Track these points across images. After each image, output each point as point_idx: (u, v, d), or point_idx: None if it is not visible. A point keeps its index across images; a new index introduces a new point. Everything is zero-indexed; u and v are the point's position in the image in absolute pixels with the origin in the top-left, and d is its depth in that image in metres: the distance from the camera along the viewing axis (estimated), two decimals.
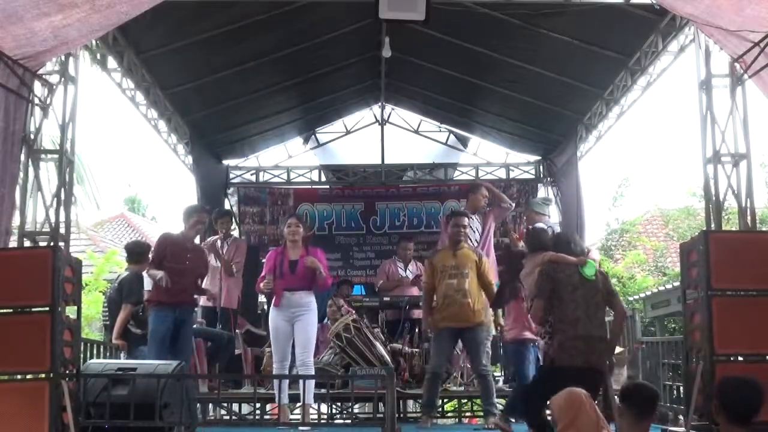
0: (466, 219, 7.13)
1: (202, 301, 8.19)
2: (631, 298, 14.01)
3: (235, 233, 11.93)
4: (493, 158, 12.47)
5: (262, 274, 6.69)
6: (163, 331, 6.50)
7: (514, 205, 8.74)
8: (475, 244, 7.70)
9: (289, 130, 11.82)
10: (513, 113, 10.87)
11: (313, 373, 6.73)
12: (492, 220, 8.06)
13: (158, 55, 8.20)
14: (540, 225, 7.55)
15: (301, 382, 6.50)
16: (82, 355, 6.16)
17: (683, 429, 4.99)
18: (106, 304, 7.78)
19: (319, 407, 6.75)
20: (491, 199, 8.30)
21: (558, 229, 8.37)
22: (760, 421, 4.70)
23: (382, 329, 8.54)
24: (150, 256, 7.01)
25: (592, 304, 5.39)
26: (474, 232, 7.81)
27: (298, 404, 6.88)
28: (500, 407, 6.89)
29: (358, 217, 11.81)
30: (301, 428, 6.18)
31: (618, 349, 7.36)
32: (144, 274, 7.25)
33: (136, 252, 7.40)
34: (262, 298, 9.70)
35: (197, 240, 7.31)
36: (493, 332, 8.00)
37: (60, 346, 4.95)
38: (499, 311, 7.92)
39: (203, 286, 7.08)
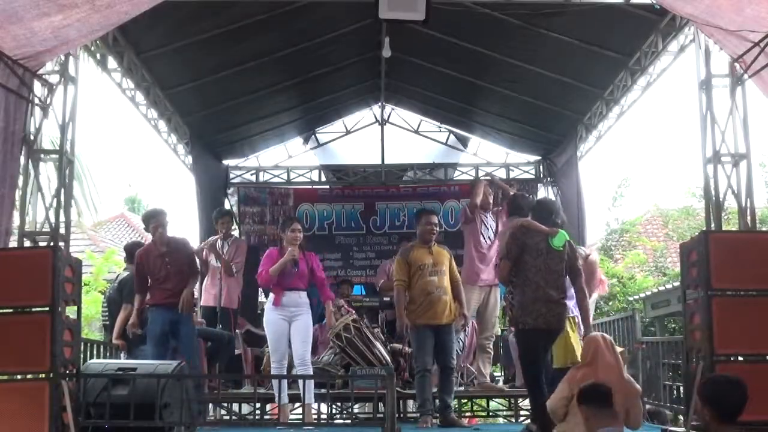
0: (436, 218, 7.12)
1: (203, 301, 8.21)
2: (631, 298, 14.00)
3: (236, 233, 11.98)
4: (493, 158, 12.49)
5: (261, 270, 6.69)
6: (159, 332, 6.54)
7: (512, 189, 8.74)
8: (489, 242, 7.75)
9: (289, 130, 11.83)
10: (513, 113, 10.87)
11: (312, 370, 6.74)
12: (504, 216, 8.02)
13: (158, 55, 8.20)
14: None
15: (300, 381, 6.51)
16: (82, 355, 6.17)
17: (683, 429, 4.98)
18: (105, 305, 7.78)
19: (319, 407, 6.75)
20: (502, 194, 8.25)
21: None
22: (759, 420, 4.73)
23: (382, 329, 8.54)
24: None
25: (554, 272, 5.68)
26: (488, 229, 7.80)
27: (298, 404, 6.89)
28: (502, 407, 6.88)
29: (358, 217, 11.81)
30: (303, 428, 6.18)
31: (618, 350, 7.37)
32: None
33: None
34: (262, 298, 9.70)
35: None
36: (499, 331, 8.03)
37: (60, 346, 4.95)
38: (500, 311, 7.95)
39: (204, 285, 7.11)
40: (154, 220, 6.82)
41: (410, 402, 8.31)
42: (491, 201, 7.98)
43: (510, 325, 8.73)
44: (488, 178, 8.59)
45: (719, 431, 3.72)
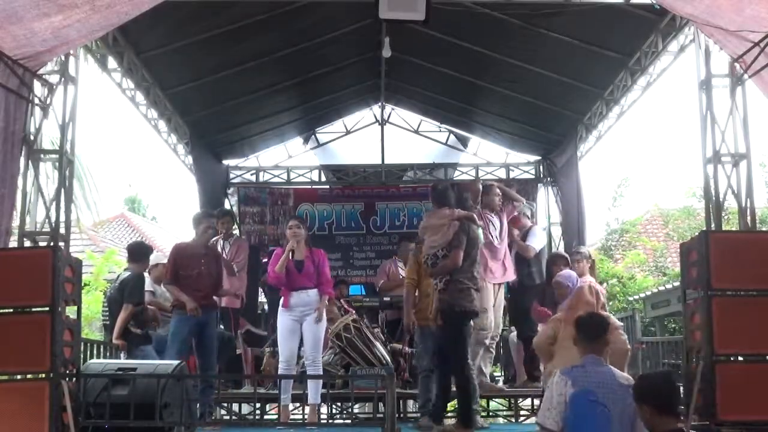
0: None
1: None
2: (631, 298, 14.01)
3: (236, 233, 11.98)
4: (493, 158, 12.49)
5: (268, 271, 6.70)
6: (185, 333, 6.53)
7: (524, 201, 8.77)
8: (498, 240, 7.74)
9: (289, 130, 11.83)
10: (513, 113, 10.87)
11: (321, 370, 6.74)
12: (505, 218, 8.03)
13: (158, 55, 8.20)
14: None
15: (306, 381, 6.52)
16: (82, 355, 6.17)
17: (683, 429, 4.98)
18: (106, 304, 7.78)
19: (319, 407, 6.75)
20: (504, 198, 8.26)
21: (540, 237, 8.45)
22: (759, 420, 4.73)
23: (382, 329, 8.53)
24: (149, 260, 7.17)
25: (476, 260, 6.28)
26: (495, 228, 7.80)
27: (298, 404, 6.89)
28: (502, 407, 6.89)
29: (358, 217, 11.82)
30: (303, 428, 6.19)
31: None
32: (146, 275, 7.28)
33: (139, 252, 7.41)
34: (262, 298, 9.71)
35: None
36: (499, 332, 8.01)
37: (60, 346, 4.95)
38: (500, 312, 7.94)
39: (224, 287, 7.14)
40: (207, 221, 6.89)
41: (410, 402, 8.32)
42: (498, 202, 7.95)
43: (510, 325, 8.74)
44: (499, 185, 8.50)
45: (661, 423, 3.76)
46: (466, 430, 5.99)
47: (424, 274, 6.67)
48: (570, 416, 4.09)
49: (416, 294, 6.77)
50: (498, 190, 8.03)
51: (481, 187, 7.98)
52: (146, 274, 7.39)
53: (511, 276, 7.85)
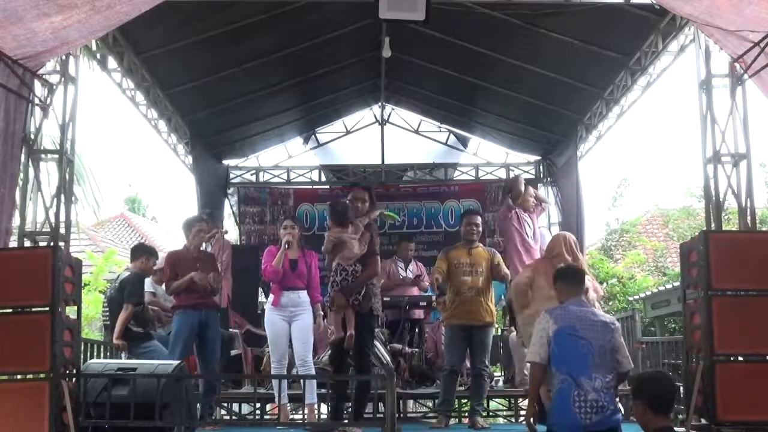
0: (479, 218, 7.16)
1: None
2: (631, 298, 14.00)
3: (235, 233, 11.98)
4: (493, 158, 12.50)
5: (264, 265, 6.70)
6: (187, 333, 6.54)
7: (550, 204, 8.81)
8: (533, 241, 7.72)
9: (289, 130, 11.83)
10: (513, 113, 10.87)
11: (313, 370, 6.74)
12: (536, 218, 8.05)
13: (158, 55, 8.20)
14: None
15: (302, 382, 6.50)
16: (82, 355, 6.16)
17: (683, 429, 4.98)
18: (106, 304, 7.78)
19: (319, 407, 6.75)
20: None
21: (545, 235, 8.46)
22: (759, 420, 4.73)
23: (382, 329, 8.53)
24: (146, 256, 7.17)
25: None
26: (530, 228, 7.80)
27: (298, 404, 6.89)
28: (502, 407, 6.90)
29: None
30: (303, 428, 6.19)
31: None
32: (148, 278, 7.29)
33: (135, 250, 7.43)
34: (262, 298, 9.70)
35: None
36: (499, 331, 8.01)
37: (60, 346, 4.95)
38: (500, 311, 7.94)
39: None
40: (197, 225, 6.88)
41: (410, 402, 8.33)
42: (532, 202, 7.90)
43: (510, 325, 8.74)
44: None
45: (654, 421, 3.83)
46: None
47: (453, 272, 6.75)
48: (554, 350, 4.41)
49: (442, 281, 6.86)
50: (532, 191, 7.98)
51: (522, 187, 7.94)
52: (148, 280, 7.39)
53: None
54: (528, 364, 4.90)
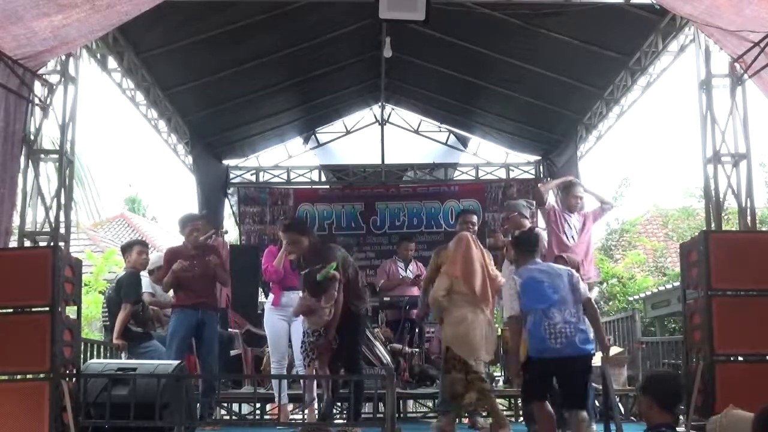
0: (476, 217, 7.12)
1: None
2: (631, 298, 14.00)
3: (235, 233, 11.97)
4: (493, 158, 12.49)
5: (264, 265, 6.70)
6: (183, 332, 6.54)
7: (613, 205, 8.46)
8: (573, 241, 7.37)
9: (289, 130, 11.83)
10: (513, 113, 10.87)
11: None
12: (591, 221, 7.65)
13: (158, 55, 8.20)
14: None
15: (302, 381, 6.51)
16: (82, 355, 6.16)
17: (683, 429, 4.98)
18: (105, 304, 7.79)
19: (319, 407, 6.75)
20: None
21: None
22: None
23: (382, 329, 8.53)
24: (134, 251, 7.19)
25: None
26: (570, 228, 7.48)
27: (298, 405, 6.89)
28: (502, 407, 6.89)
29: (358, 217, 11.81)
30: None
31: (617, 350, 7.36)
32: (143, 274, 7.28)
33: (130, 245, 7.45)
34: (262, 298, 9.70)
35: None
36: (499, 331, 7.98)
37: (60, 346, 4.96)
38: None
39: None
40: (191, 223, 6.88)
41: (410, 402, 8.32)
42: (574, 203, 7.53)
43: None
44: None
45: (658, 417, 3.93)
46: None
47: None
48: (523, 299, 5.04)
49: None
50: (578, 192, 7.60)
51: (548, 190, 7.80)
52: (146, 275, 7.39)
53: (590, 274, 7.36)
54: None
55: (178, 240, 7.37)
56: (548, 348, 4.83)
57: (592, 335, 5.06)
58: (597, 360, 6.70)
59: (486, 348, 5.73)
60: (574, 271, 5.28)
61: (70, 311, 5.37)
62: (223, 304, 8.38)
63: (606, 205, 7.92)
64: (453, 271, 5.81)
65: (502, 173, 12.33)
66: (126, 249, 7.40)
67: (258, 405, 7.55)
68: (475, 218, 7.06)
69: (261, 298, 9.67)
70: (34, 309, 5.02)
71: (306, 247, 6.02)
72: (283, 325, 6.54)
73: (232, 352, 8.36)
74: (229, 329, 8.46)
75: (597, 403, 5.60)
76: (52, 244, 5.55)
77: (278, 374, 6.55)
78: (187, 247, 6.78)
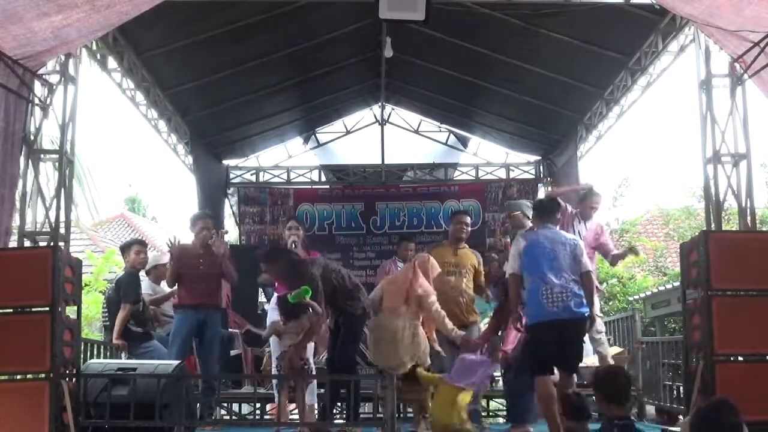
0: (469, 218, 7.13)
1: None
2: (631, 298, 13.99)
3: (235, 233, 11.97)
4: (493, 158, 12.51)
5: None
6: (185, 332, 6.54)
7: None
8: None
9: (289, 130, 11.83)
10: (513, 113, 10.87)
11: (314, 371, 6.73)
12: (601, 239, 7.22)
13: (158, 55, 8.20)
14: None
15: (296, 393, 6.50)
16: (82, 355, 6.16)
17: (681, 429, 4.98)
18: (105, 305, 7.79)
19: (319, 407, 6.74)
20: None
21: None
22: (759, 420, 4.72)
23: None
24: (132, 250, 7.24)
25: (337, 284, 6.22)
26: (577, 235, 7.38)
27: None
28: (502, 407, 6.88)
29: (358, 217, 11.81)
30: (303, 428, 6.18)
31: (618, 349, 7.36)
32: (141, 275, 7.28)
33: (128, 245, 7.46)
34: (262, 298, 9.69)
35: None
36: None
37: (60, 346, 4.95)
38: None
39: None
40: (201, 221, 6.88)
41: None
42: (594, 212, 7.20)
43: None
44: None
45: (608, 409, 4.17)
46: None
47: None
48: (524, 260, 5.39)
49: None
50: (597, 202, 7.25)
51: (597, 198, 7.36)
52: (145, 275, 7.40)
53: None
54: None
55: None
56: (546, 312, 5.13)
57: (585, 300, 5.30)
58: (596, 361, 6.74)
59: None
60: (579, 241, 5.51)
61: (70, 311, 5.37)
62: (223, 304, 8.39)
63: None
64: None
65: (502, 173, 12.34)
66: (125, 249, 7.41)
67: (258, 405, 7.55)
68: (468, 219, 7.06)
69: (261, 298, 9.67)
70: (34, 309, 5.01)
71: (283, 267, 6.01)
72: None
73: (232, 352, 8.37)
74: (229, 329, 8.47)
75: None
76: (52, 244, 5.55)
77: (278, 374, 6.53)
78: (195, 246, 6.79)
